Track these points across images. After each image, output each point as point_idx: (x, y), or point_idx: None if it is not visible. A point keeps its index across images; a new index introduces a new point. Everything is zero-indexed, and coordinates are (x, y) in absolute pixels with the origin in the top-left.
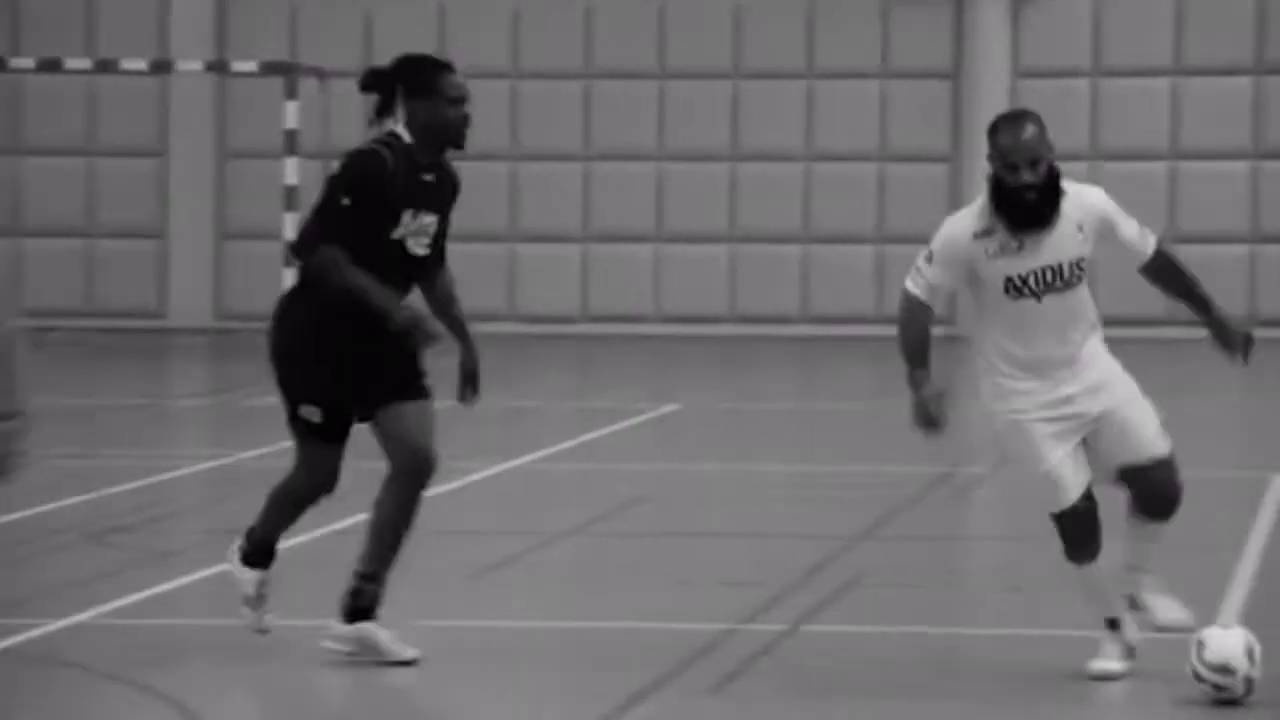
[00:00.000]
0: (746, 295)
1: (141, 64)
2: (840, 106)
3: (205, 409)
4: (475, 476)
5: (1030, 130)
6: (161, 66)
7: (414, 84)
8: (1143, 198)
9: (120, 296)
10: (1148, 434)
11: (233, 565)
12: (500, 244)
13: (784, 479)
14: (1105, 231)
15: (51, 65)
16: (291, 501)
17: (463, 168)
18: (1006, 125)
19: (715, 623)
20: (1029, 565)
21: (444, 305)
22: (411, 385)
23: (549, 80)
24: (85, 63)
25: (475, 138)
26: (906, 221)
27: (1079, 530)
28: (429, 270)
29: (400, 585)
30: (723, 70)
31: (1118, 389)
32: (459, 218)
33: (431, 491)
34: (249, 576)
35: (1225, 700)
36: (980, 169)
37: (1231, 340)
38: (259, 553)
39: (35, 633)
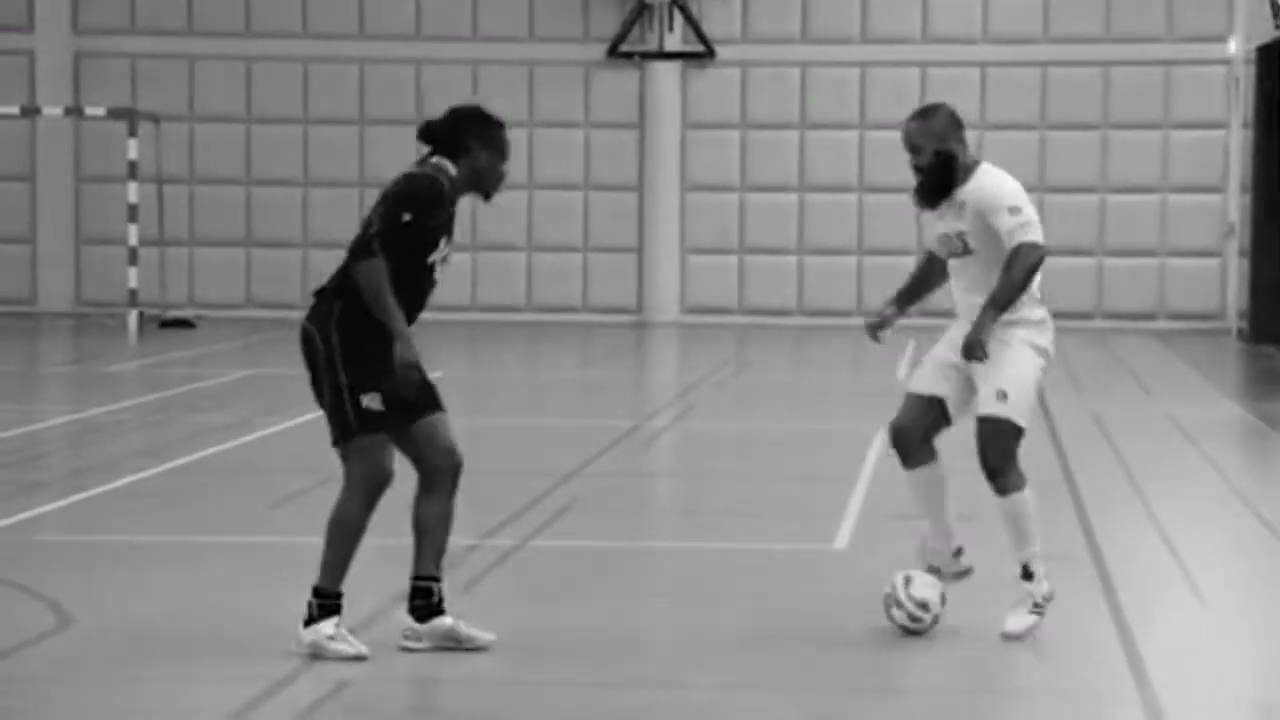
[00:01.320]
0: (486, 290)
1: (14, 109)
2: (554, 148)
3: (69, 374)
4: (277, 428)
5: (910, 125)
6: (30, 111)
7: (484, 137)
8: (779, 219)
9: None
10: (987, 394)
11: (310, 636)
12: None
13: (510, 431)
14: (984, 214)
15: None
16: (355, 522)
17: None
18: (905, 120)
19: (460, 539)
20: (702, 495)
21: None
22: (435, 398)
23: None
24: None
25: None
26: (605, 235)
27: (892, 438)
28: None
29: (209, 510)
30: None
31: (993, 358)
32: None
33: (255, 434)
34: (328, 629)
35: (912, 632)
36: (664, 199)
37: (971, 342)
38: (331, 600)
39: None
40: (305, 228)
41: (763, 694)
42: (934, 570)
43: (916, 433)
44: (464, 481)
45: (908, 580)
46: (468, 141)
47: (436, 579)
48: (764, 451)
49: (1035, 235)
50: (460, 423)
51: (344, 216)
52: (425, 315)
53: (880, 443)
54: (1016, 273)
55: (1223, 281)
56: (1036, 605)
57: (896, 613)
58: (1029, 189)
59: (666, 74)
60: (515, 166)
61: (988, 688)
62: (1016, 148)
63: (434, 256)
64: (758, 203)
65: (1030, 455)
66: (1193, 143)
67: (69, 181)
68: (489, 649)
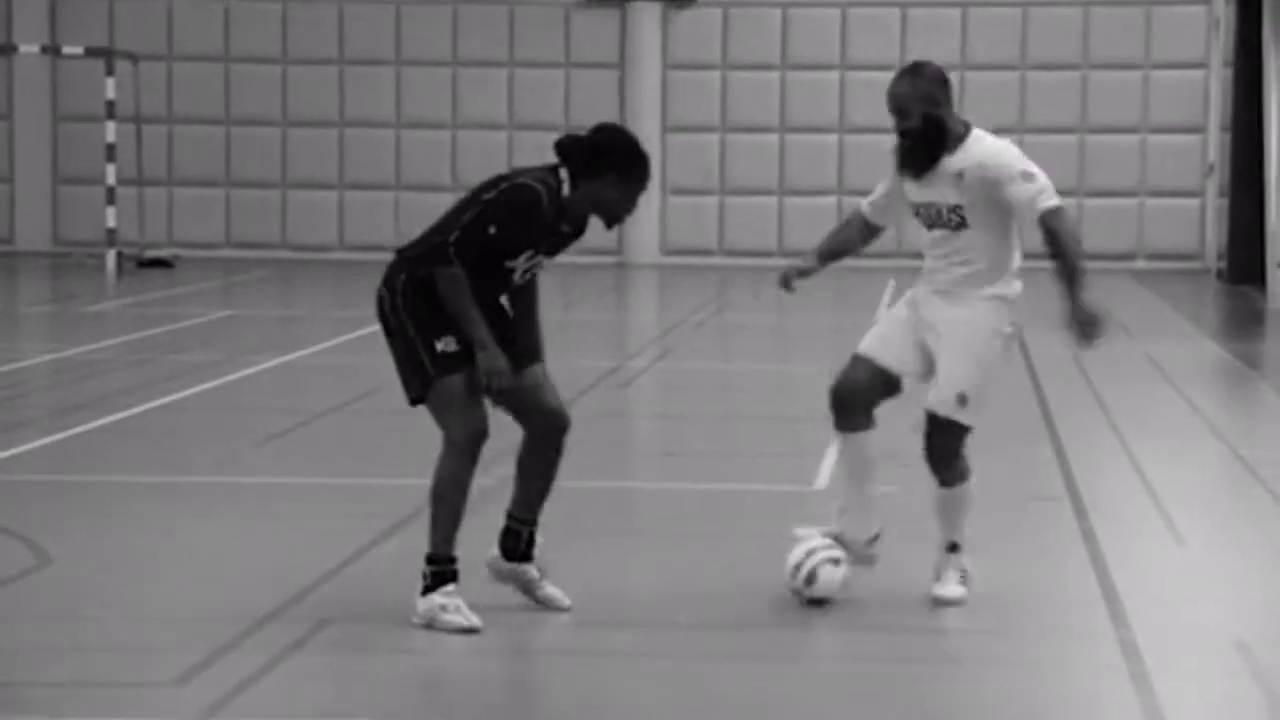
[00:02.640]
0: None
1: None
2: (534, 89)
3: (48, 314)
4: (259, 367)
5: (898, 85)
6: (7, 49)
7: (626, 171)
8: (759, 160)
9: None
10: (947, 390)
11: (424, 605)
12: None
13: None
14: (990, 186)
15: None
16: (458, 481)
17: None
18: (891, 80)
19: None
20: (682, 436)
21: (522, 314)
22: (531, 349)
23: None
24: None
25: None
26: None
27: (833, 397)
28: (520, 290)
29: (190, 450)
30: (444, 59)
31: (954, 340)
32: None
33: (234, 375)
34: (446, 598)
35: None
36: (644, 139)
37: (1077, 324)
38: (444, 566)
39: None
40: (284, 167)
41: (741, 633)
42: (841, 543)
43: (860, 397)
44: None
45: (811, 577)
46: (606, 170)
47: (527, 521)
48: (744, 392)
49: (1056, 197)
50: None
51: (323, 156)
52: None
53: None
54: (1068, 241)
55: (1202, 222)
56: (965, 576)
57: (793, 582)
58: (1008, 131)
59: (647, 14)
60: (495, 106)
61: (965, 625)
62: (997, 88)
63: (514, 263)
64: (738, 144)
65: (1009, 395)
66: (1173, 83)
67: (47, 121)
68: (569, 611)
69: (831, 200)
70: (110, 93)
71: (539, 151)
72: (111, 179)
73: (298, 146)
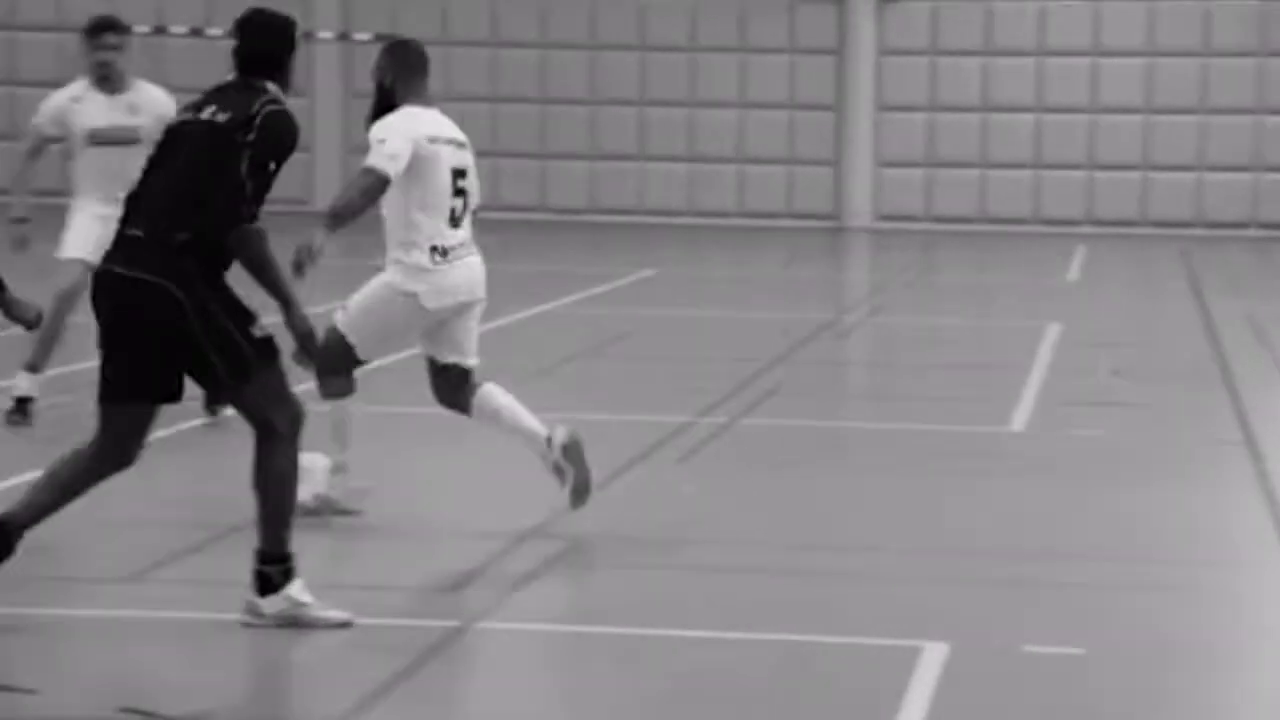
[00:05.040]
0: (700, 196)
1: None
2: (763, 72)
3: None
4: (519, 316)
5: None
6: (307, 36)
7: (293, 55)
8: (963, 135)
9: None
10: None
11: (280, 605)
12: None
13: (721, 322)
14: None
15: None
16: (294, 473)
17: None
18: None
19: (677, 416)
20: (892, 382)
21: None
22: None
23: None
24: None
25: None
26: (806, 149)
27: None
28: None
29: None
30: (684, 45)
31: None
32: None
33: (495, 323)
34: (304, 594)
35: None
36: (859, 118)
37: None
38: (290, 564)
39: None
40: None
41: (948, 557)
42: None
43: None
44: (681, 367)
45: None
46: (289, 60)
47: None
48: (947, 344)
49: (380, 161)
50: (677, 313)
51: (625, 130)
52: (643, 218)
53: (1052, 336)
54: (345, 192)
55: None
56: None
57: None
58: (969, 109)
59: (862, 7)
60: (726, 86)
61: (1139, 555)
62: (960, 70)
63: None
64: (944, 121)
65: (1185, 347)
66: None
67: (339, 97)
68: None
69: (1026, 174)
70: None
71: (767, 128)
72: None
73: (606, 124)
